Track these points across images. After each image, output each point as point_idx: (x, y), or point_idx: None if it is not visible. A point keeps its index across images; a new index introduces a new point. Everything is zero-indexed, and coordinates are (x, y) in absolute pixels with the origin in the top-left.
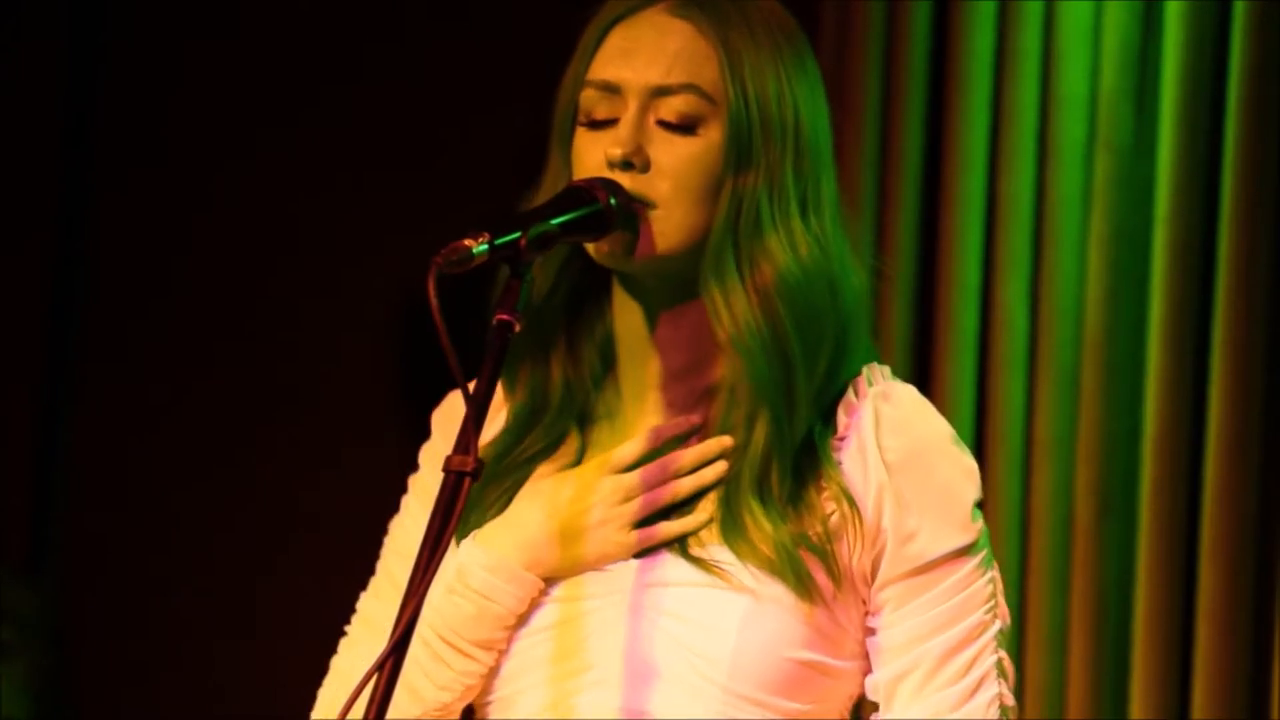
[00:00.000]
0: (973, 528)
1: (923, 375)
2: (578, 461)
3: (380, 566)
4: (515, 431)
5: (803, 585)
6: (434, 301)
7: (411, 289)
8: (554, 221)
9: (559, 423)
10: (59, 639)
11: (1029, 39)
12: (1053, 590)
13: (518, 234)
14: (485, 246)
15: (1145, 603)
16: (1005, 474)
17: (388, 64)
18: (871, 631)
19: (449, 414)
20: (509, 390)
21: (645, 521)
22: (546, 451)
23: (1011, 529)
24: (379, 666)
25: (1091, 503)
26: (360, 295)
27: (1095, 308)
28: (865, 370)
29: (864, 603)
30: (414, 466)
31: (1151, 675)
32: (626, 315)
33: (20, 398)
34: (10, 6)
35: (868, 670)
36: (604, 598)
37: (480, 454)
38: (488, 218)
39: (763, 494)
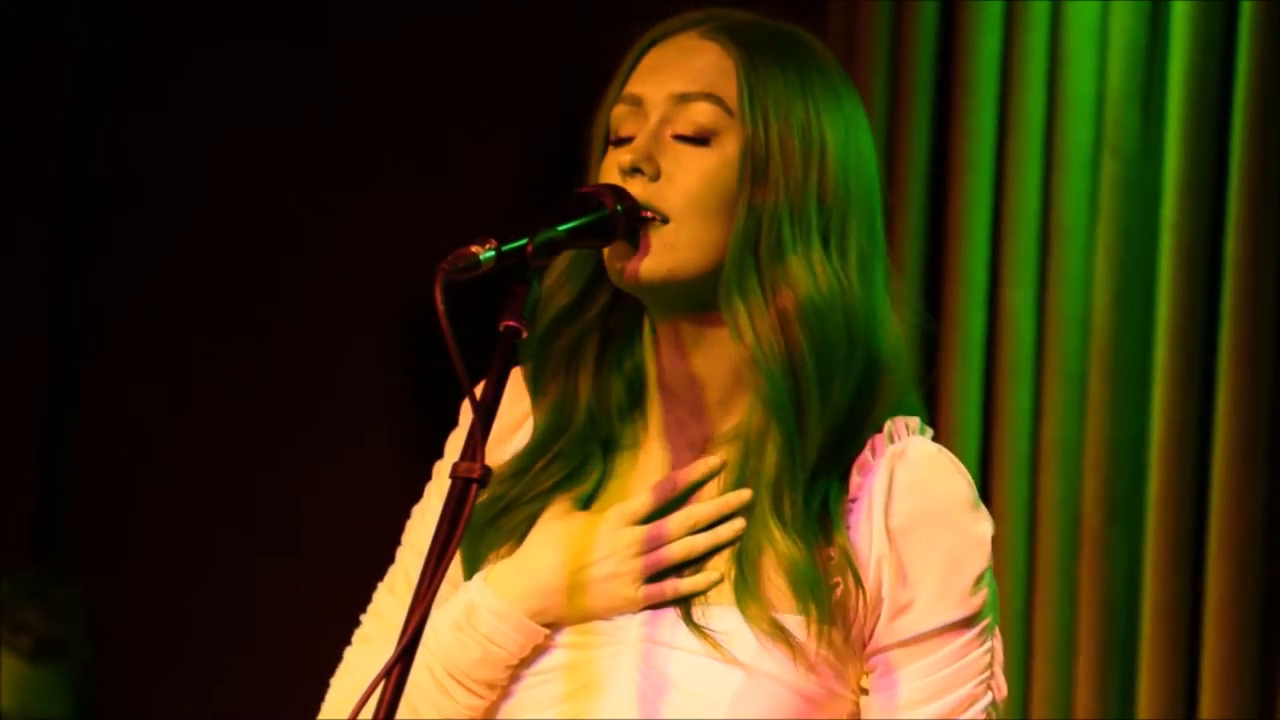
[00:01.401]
0: (973, 601)
1: (930, 381)
2: (596, 489)
3: (397, 558)
4: (534, 450)
5: (806, 613)
6: (441, 308)
7: (417, 293)
8: (560, 228)
9: (581, 449)
10: (98, 640)
11: (1035, 42)
12: (1060, 596)
13: (524, 240)
14: (492, 253)
15: (1152, 608)
16: (1012, 479)
17: (394, 66)
18: (864, 691)
19: None
20: (535, 407)
21: (658, 575)
22: (567, 481)
23: (1018, 534)
24: (385, 673)
25: (1098, 508)
26: (365, 299)
27: (1102, 312)
28: (889, 425)
29: (862, 664)
30: (418, 466)
31: (1159, 680)
32: (650, 350)
33: (24, 402)
34: (17, 6)
35: None
36: (608, 648)
37: (501, 472)
38: (495, 224)
39: (780, 517)
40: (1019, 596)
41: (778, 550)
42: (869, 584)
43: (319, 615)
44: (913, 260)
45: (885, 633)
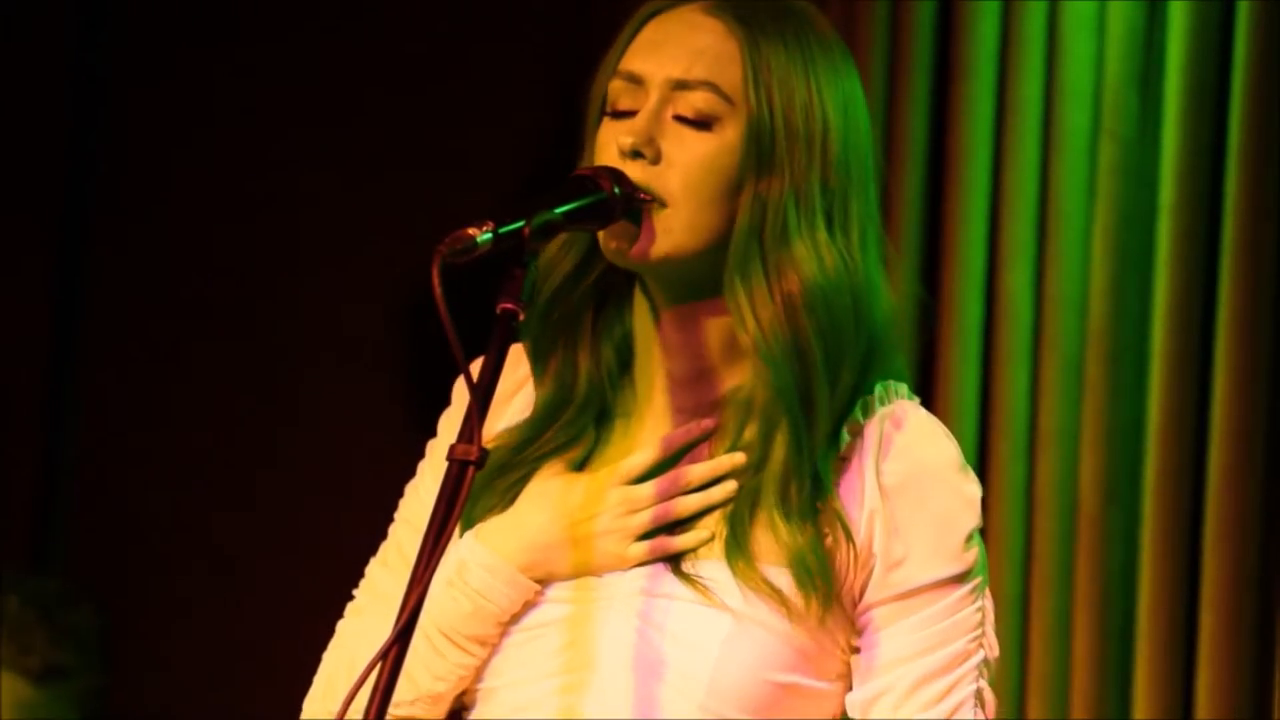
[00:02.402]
0: (964, 557)
1: (927, 364)
2: (588, 456)
3: (390, 533)
4: (538, 422)
5: (805, 598)
6: (438, 290)
7: (416, 275)
8: (558, 210)
9: (579, 419)
10: (108, 665)
11: (1033, 27)
12: (1057, 579)
13: (521, 223)
14: (489, 235)
15: (1149, 592)
16: (1009, 463)
17: (390, 57)
18: (856, 650)
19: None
20: (537, 379)
21: (651, 534)
22: (561, 448)
23: (1015, 518)
24: (383, 655)
25: (1096, 492)
26: (364, 285)
27: (1099, 296)
28: (879, 389)
29: (852, 623)
30: (418, 454)
31: (1155, 664)
32: (641, 317)
33: (25, 406)
34: (17, 8)
35: (850, 690)
36: (596, 603)
37: (500, 440)
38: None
39: (785, 506)
40: (1016, 580)
41: (781, 541)
42: (859, 539)
43: (320, 603)
44: (911, 245)
45: (878, 587)
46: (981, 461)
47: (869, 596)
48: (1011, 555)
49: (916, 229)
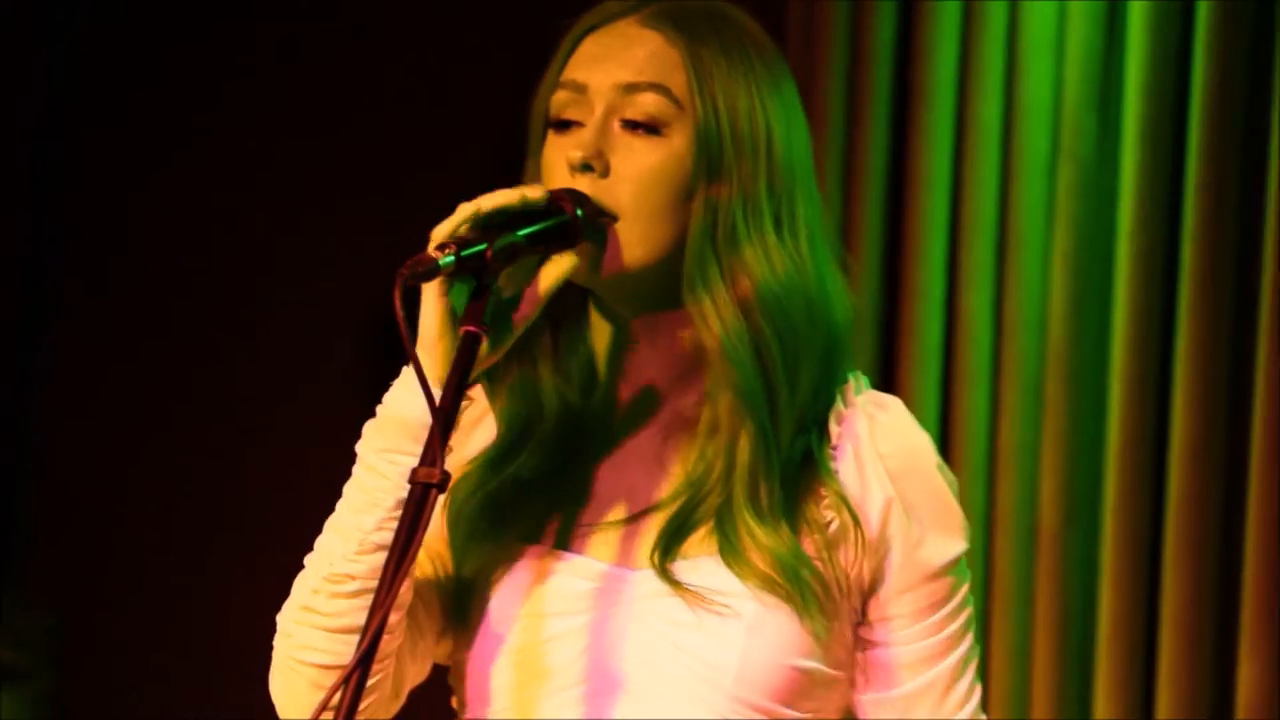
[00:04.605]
0: (966, 531)
1: (888, 385)
2: (575, 487)
3: None
4: (511, 438)
5: (801, 597)
6: (399, 313)
7: (381, 299)
8: (520, 233)
9: (556, 436)
10: (63, 665)
11: (992, 50)
12: (1017, 599)
13: (484, 246)
14: (451, 258)
15: (1109, 612)
16: (970, 483)
17: (369, 77)
18: (874, 645)
19: None
20: (491, 398)
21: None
22: (550, 478)
23: (976, 538)
24: (345, 680)
25: (1056, 512)
26: (337, 302)
27: (1059, 318)
28: (852, 379)
29: (855, 612)
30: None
31: (1115, 684)
32: (604, 334)
33: None
34: None
35: (853, 681)
36: (589, 614)
37: (479, 457)
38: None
39: (755, 508)
40: (977, 600)
41: (758, 543)
42: (871, 523)
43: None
44: (871, 266)
45: (904, 571)
46: None
47: (895, 583)
48: (972, 575)
49: (876, 251)
